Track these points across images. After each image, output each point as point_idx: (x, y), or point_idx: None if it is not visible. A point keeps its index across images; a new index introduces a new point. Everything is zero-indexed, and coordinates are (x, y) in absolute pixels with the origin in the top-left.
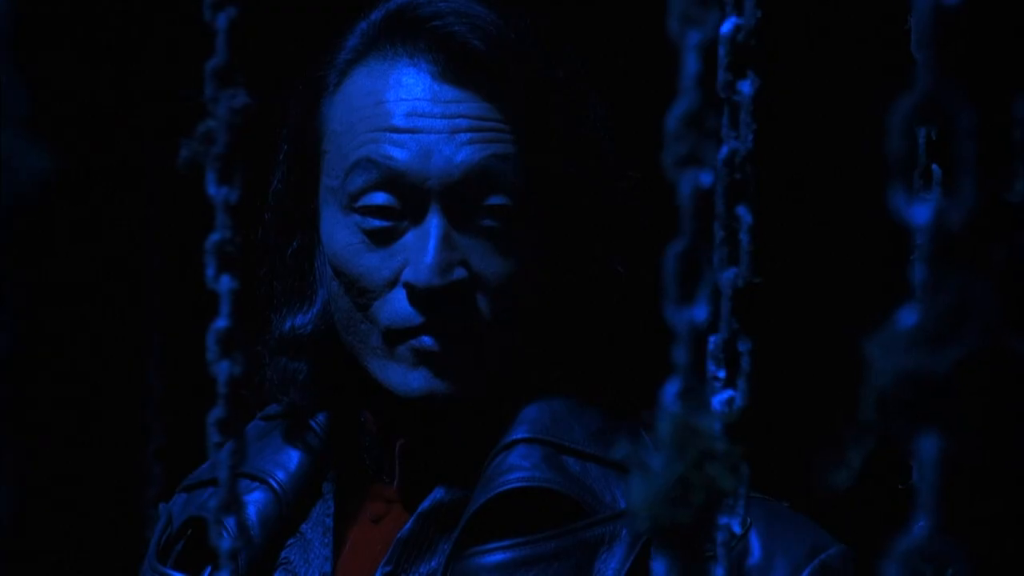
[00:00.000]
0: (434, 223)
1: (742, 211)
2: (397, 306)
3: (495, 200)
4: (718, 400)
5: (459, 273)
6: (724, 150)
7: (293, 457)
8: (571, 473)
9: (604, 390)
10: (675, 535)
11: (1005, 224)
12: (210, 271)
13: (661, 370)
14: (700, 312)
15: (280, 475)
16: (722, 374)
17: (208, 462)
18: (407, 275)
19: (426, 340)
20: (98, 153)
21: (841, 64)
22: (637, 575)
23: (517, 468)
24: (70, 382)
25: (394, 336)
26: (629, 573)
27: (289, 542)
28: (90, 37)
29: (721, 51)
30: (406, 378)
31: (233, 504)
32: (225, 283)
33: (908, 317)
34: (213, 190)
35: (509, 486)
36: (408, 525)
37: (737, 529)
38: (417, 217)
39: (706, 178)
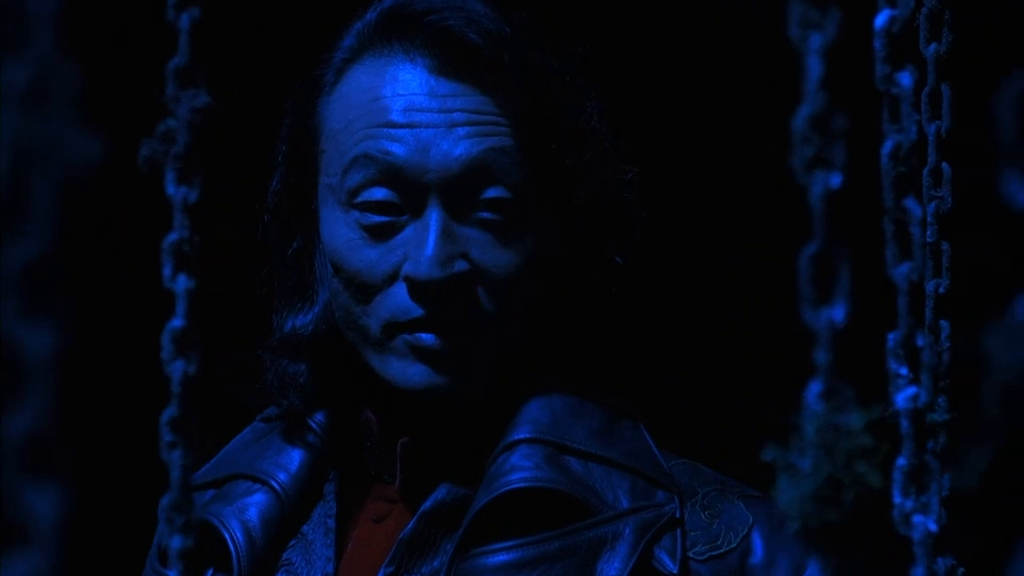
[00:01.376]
0: (433, 216)
1: (910, 204)
2: (397, 300)
3: (494, 193)
4: (903, 397)
5: (459, 266)
6: (888, 144)
7: (294, 458)
8: (573, 473)
9: (603, 385)
10: (826, 533)
11: None
12: (167, 271)
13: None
14: (838, 312)
15: (281, 476)
16: (904, 371)
17: (208, 464)
18: (407, 268)
19: (425, 337)
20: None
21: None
22: (640, 574)
23: (520, 468)
24: (92, 380)
25: (394, 330)
26: (632, 573)
27: (291, 543)
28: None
29: (878, 44)
30: (407, 372)
31: (185, 505)
32: (181, 283)
33: None
34: (172, 190)
35: (512, 486)
36: (410, 525)
37: (933, 528)
38: (416, 211)
39: (835, 180)
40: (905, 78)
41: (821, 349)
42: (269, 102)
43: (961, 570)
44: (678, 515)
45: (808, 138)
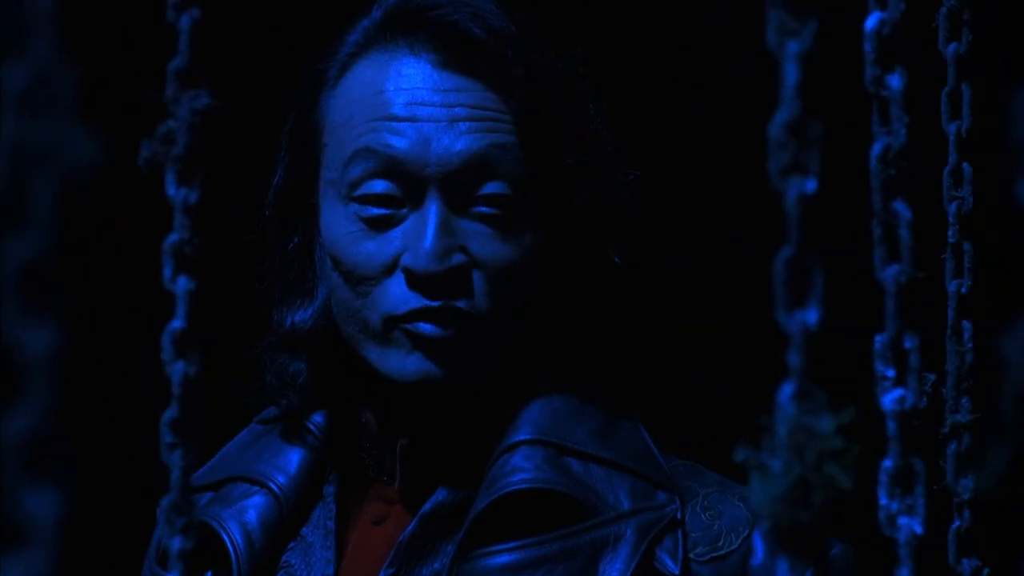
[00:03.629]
0: (432, 209)
1: (900, 206)
2: (396, 291)
3: (494, 188)
4: (889, 399)
5: (457, 259)
6: (877, 146)
7: (293, 460)
8: (574, 474)
9: (602, 385)
10: (795, 535)
11: None
12: (167, 272)
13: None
14: (812, 315)
15: (280, 478)
16: (891, 373)
17: (206, 466)
18: (405, 260)
19: (423, 326)
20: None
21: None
22: None
23: (520, 470)
24: (90, 380)
25: (392, 322)
26: (634, 574)
27: (290, 545)
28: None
29: (867, 46)
30: (403, 362)
31: (185, 506)
32: (182, 284)
33: None
34: (172, 191)
35: (512, 488)
36: (410, 527)
37: (919, 530)
38: (416, 204)
39: (810, 185)
40: (895, 80)
41: (794, 352)
42: (269, 101)
43: (987, 571)
44: (679, 516)
45: (783, 144)
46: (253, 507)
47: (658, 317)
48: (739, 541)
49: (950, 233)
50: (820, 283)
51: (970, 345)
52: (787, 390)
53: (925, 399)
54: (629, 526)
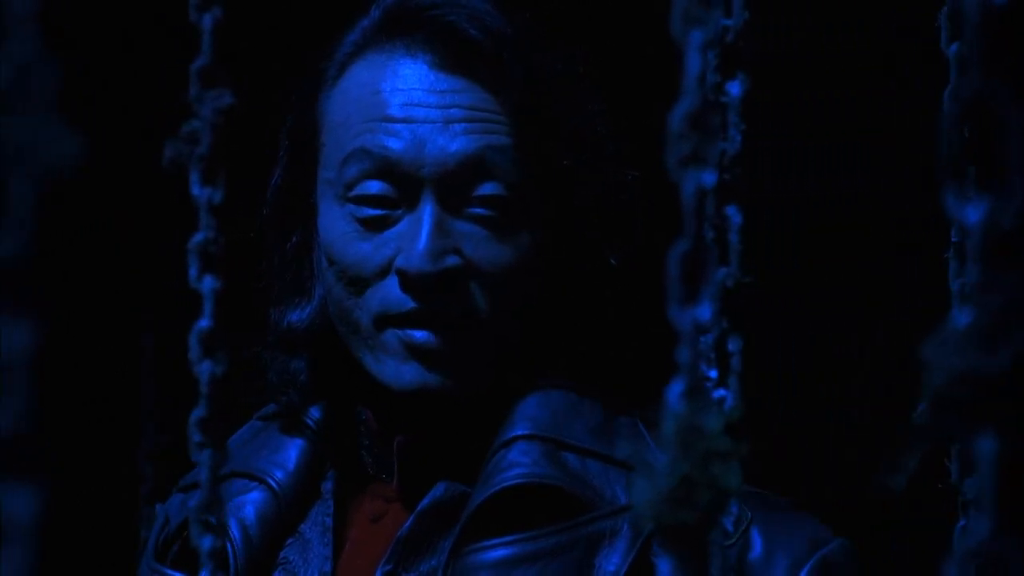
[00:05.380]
0: (427, 210)
1: (731, 211)
2: (389, 293)
3: (489, 189)
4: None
5: (452, 260)
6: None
7: (291, 457)
8: (571, 469)
9: (601, 384)
10: (679, 534)
11: None
12: (193, 271)
13: (663, 368)
14: (704, 312)
15: (279, 475)
16: (714, 374)
17: None
18: (399, 262)
19: (417, 335)
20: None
21: (836, 62)
22: (638, 571)
23: (517, 465)
24: (67, 379)
25: (385, 323)
26: (631, 569)
27: (288, 542)
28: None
29: (710, 54)
30: (398, 371)
31: (214, 504)
32: (208, 283)
33: (962, 317)
34: (197, 190)
35: (509, 483)
36: (408, 523)
37: (730, 528)
38: (411, 205)
39: (709, 178)
40: (734, 87)
41: (684, 348)
42: (269, 101)
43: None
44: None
45: (684, 135)
46: (251, 503)
47: (658, 316)
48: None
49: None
50: (714, 280)
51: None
52: (676, 387)
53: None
54: (625, 521)
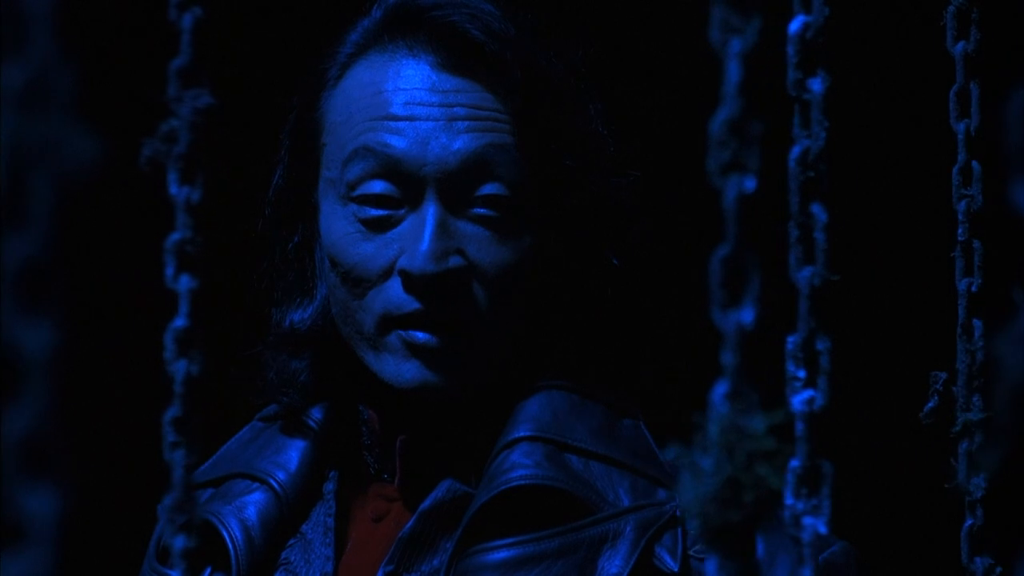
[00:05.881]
0: (430, 211)
1: (816, 209)
2: (392, 293)
3: (491, 189)
4: (799, 400)
5: (455, 261)
6: (796, 149)
7: (293, 457)
8: (573, 471)
9: (603, 384)
10: (726, 534)
11: None
12: (169, 270)
13: (704, 371)
14: (747, 315)
15: (280, 476)
16: (802, 374)
17: (207, 463)
18: (402, 262)
19: (418, 335)
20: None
21: (909, 58)
22: (641, 573)
23: (520, 466)
24: (88, 379)
25: (389, 324)
26: (633, 571)
27: (290, 542)
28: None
29: (790, 49)
30: (399, 369)
31: (187, 504)
32: (184, 283)
33: None
34: (175, 190)
35: (512, 484)
36: (410, 524)
37: (823, 530)
38: (414, 205)
39: (750, 184)
40: (816, 84)
41: (728, 351)
42: (270, 101)
43: (999, 569)
44: (678, 513)
45: (724, 142)
46: (253, 504)
47: (658, 316)
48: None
49: (960, 231)
50: (757, 282)
51: (980, 343)
52: (720, 389)
53: (936, 397)
54: (628, 523)
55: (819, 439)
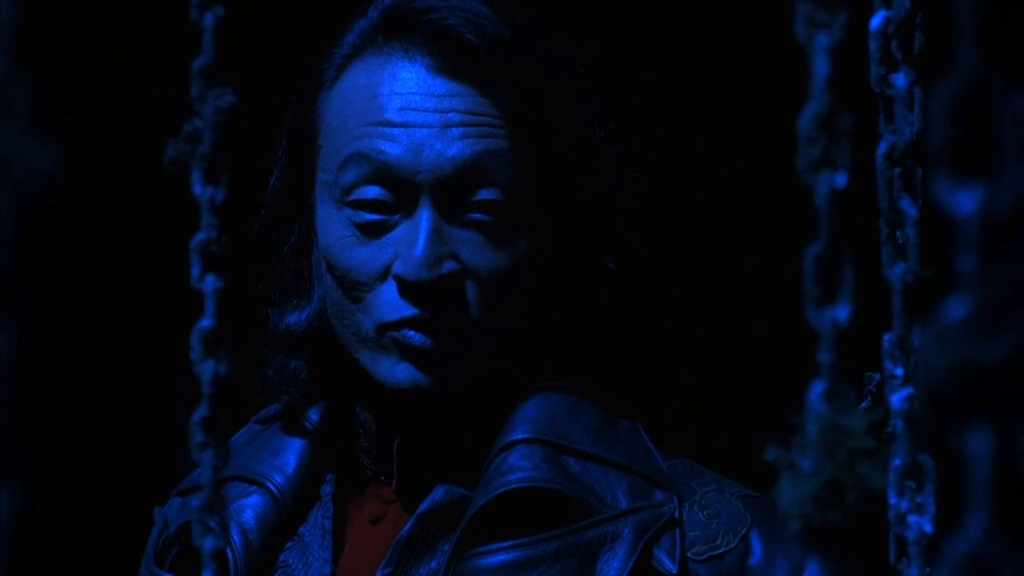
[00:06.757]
0: (424, 216)
1: (906, 204)
2: (387, 299)
3: (486, 194)
4: (898, 398)
5: (449, 266)
6: (883, 145)
7: (290, 460)
8: (572, 473)
9: (601, 386)
10: (827, 535)
11: None
12: (195, 271)
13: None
14: (842, 312)
15: (278, 478)
16: (900, 371)
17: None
18: (397, 268)
19: (412, 335)
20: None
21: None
22: (639, 574)
23: (518, 468)
24: (71, 384)
25: (384, 328)
26: (632, 573)
27: (288, 545)
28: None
29: (872, 45)
30: (393, 370)
31: (216, 505)
32: (210, 283)
33: (956, 309)
34: (199, 190)
35: (510, 486)
36: (408, 526)
37: (928, 528)
38: (408, 210)
39: (841, 179)
40: (899, 79)
41: (824, 349)
42: (268, 101)
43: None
44: (677, 515)
45: (814, 138)
46: (250, 507)
47: (657, 317)
48: (737, 540)
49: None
50: (851, 279)
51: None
52: (817, 388)
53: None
54: (627, 525)
55: (919, 436)
